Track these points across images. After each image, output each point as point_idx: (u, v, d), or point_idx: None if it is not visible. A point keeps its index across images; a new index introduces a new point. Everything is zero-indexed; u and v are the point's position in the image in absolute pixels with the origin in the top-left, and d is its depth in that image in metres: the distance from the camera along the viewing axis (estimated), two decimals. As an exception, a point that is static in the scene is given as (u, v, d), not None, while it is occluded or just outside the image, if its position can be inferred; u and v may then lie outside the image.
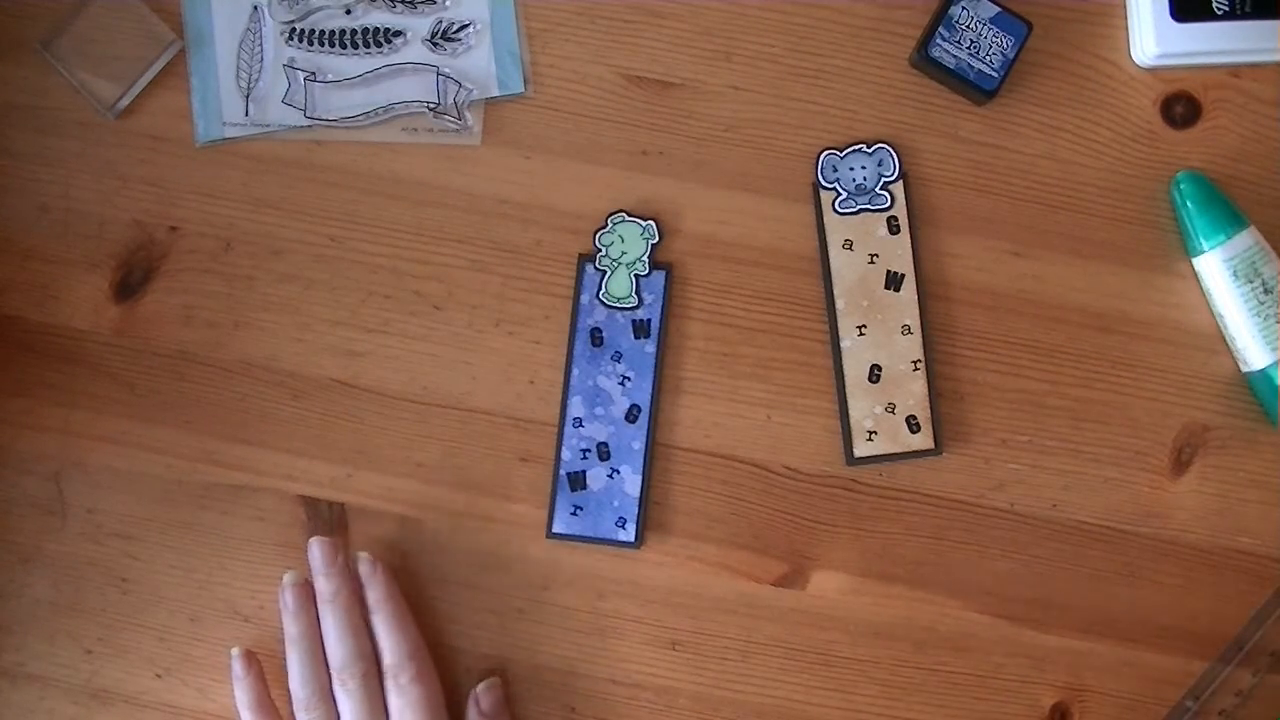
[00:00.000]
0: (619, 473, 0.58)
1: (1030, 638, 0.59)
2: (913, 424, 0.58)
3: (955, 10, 0.57)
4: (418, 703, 0.54)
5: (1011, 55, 0.58)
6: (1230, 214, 0.57)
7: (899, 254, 0.59)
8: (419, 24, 0.59)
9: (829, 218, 0.59)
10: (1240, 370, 0.59)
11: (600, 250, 0.59)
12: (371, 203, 0.59)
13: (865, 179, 0.59)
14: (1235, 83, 0.59)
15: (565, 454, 0.59)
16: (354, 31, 0.59)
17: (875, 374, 0.58)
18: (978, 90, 0.58)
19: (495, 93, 0.59)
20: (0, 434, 0.59)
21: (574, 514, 0.58)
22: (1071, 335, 0.59)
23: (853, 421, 0.58)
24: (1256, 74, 0.59)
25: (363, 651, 0.55)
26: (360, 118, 0.59)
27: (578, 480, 0.59)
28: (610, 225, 0.59)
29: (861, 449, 0.58)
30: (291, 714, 0.55)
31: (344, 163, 0.59)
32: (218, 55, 0.59)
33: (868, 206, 0.59)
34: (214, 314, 0.59)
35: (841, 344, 0.58)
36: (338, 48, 0.59)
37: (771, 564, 0.59)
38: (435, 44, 0.59)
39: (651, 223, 0.59)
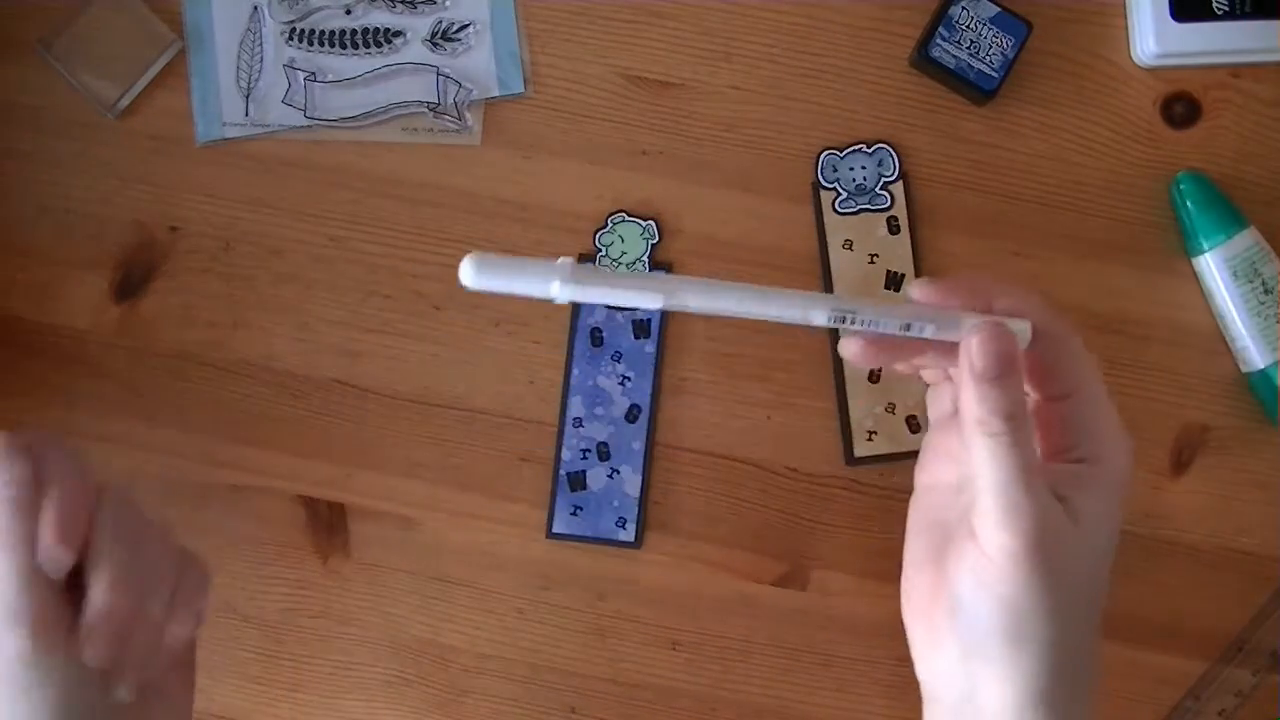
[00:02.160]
0: (619, 473, 0.58)
1: (1030, 638, 0.59)
2: (913, 424, 0.58)
3: (955, 10, 0.57)
4: None
5: (1011, 55, 0.58)
6: (1230, 214, 0.57)
7: (899, 254, 0.59)
8: (419, 24, 0.59)
9: (829, 218, 0.59)
10: (1240, 370, 0.59)
11: (600, 250, 0.59)
12: (371, 203, 0.59)
13: (865, 179, 0.59)
14: (1235, 83, 0.59)
15: (565, 454, 0.59)
16: (354, 31, 0.59)
17: (875, 374, 0.58)
18: (978, 90, 0.58)
19: (495, 93, 0.59)
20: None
21: (574, 514, 0.58)
22: (1071, 335, 0.59)
23: (853, 421, 0.58)
24: (1256, 74, 0.59)
25: None
26: (360, 118, 0.59)
27: (578, 480, 0.59)
28: (610, 225, 0.59)
29: (861, 449, 0.58)
30: None
31: (344, 163, 0.59)
32: (218, 55, 0.59)
33: (868, 206, 0.59)
34: (214, 314, 0.59)
35: (841, 344, 0.58)
36: (338, 48, 0.59)
37: (771, 564, 0.59)
38: (435, 44, 0.59)
39: (651, 223, 0.59)
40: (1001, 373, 0.38)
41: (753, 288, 0.39)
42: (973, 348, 0.38)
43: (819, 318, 0.39)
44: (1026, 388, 0.42)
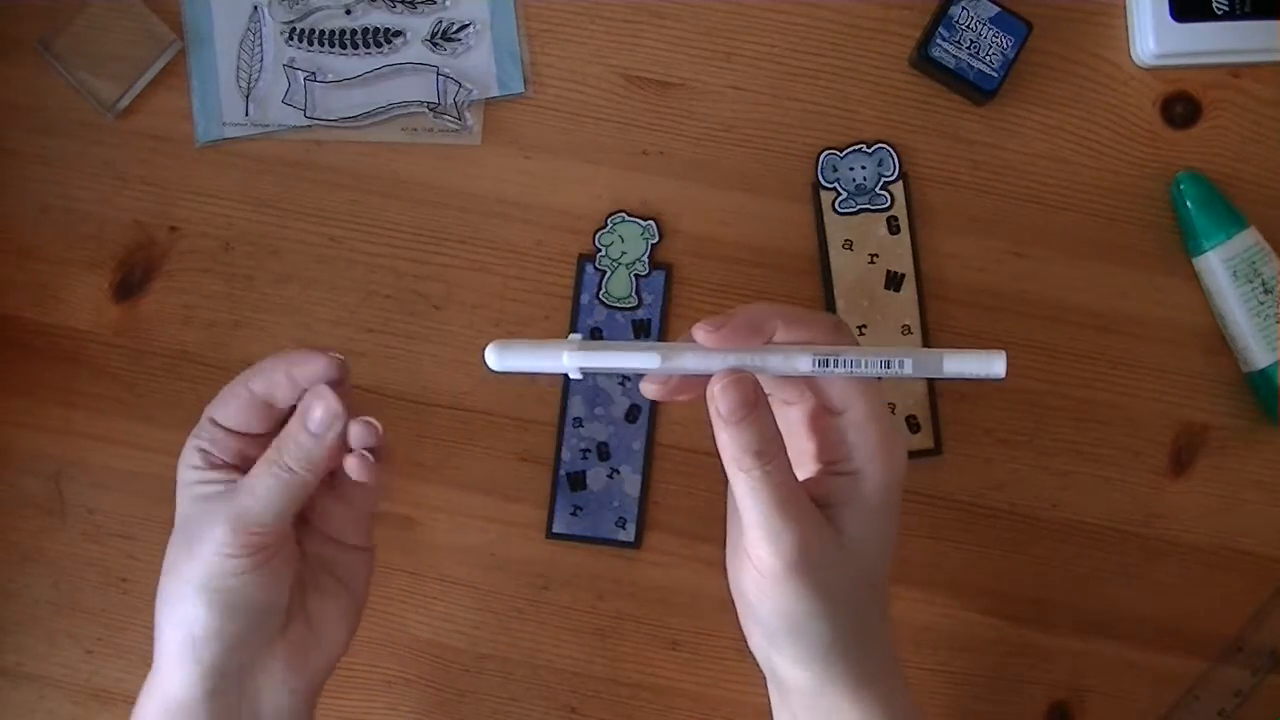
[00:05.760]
0: (619, 473, 0.58)
1: (1030, 638, 0.59)
2: (913, 424, 0.58)
3: (955, 10, 0.57)
4: None
5: (1011, 55, 0.58)
6: (1230, 214, 0.57)
7: (899, 254, 0.59)
8: (419, 24, 0.59)
9: (829, 218, 0.59)
10: (1240, 370, 0.59)
11: (600, 250, 0.59)
12: (371, 203, 0.59)
13: (865, 179, 0.59)
14: (1235, 83, 0.59)
15: (565, 454, 0.59)
16: (354, 31, 0.59)
17: (875, 374, 0.58)
18: (978, 90, 0.58)
19: (495, 93, 0.59)
20: (0, 434, 0.59)
21: (574, 514, 0.58)
22: (1071, 335, 0.59)
23: (853, 421, 0.58)
24: (1256, 74, 0.59)
25: None
26: (360, 118, 0.59)
27: (578, 480, 0.59)
28: (610, 225, 0.59)
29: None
30: None
31: (344, 163, 0.59)
32: (218, 55, 0.59)
33: (868, 206, 0.59)
34: (214, 314, 0.59)
35: (841, 344, 0.58)
36: (338, 48, 0.59)
37: (771, 564, 0.59)
38: (435, 44, 0.59)
39: (651, 223, 0.59)
40: (744, 416, 0.41)
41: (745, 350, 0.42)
42: (715, 395, 0.41)
43: (804, 365, 0.42)
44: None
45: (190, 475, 0.47)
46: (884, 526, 0.44)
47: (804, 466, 0.45)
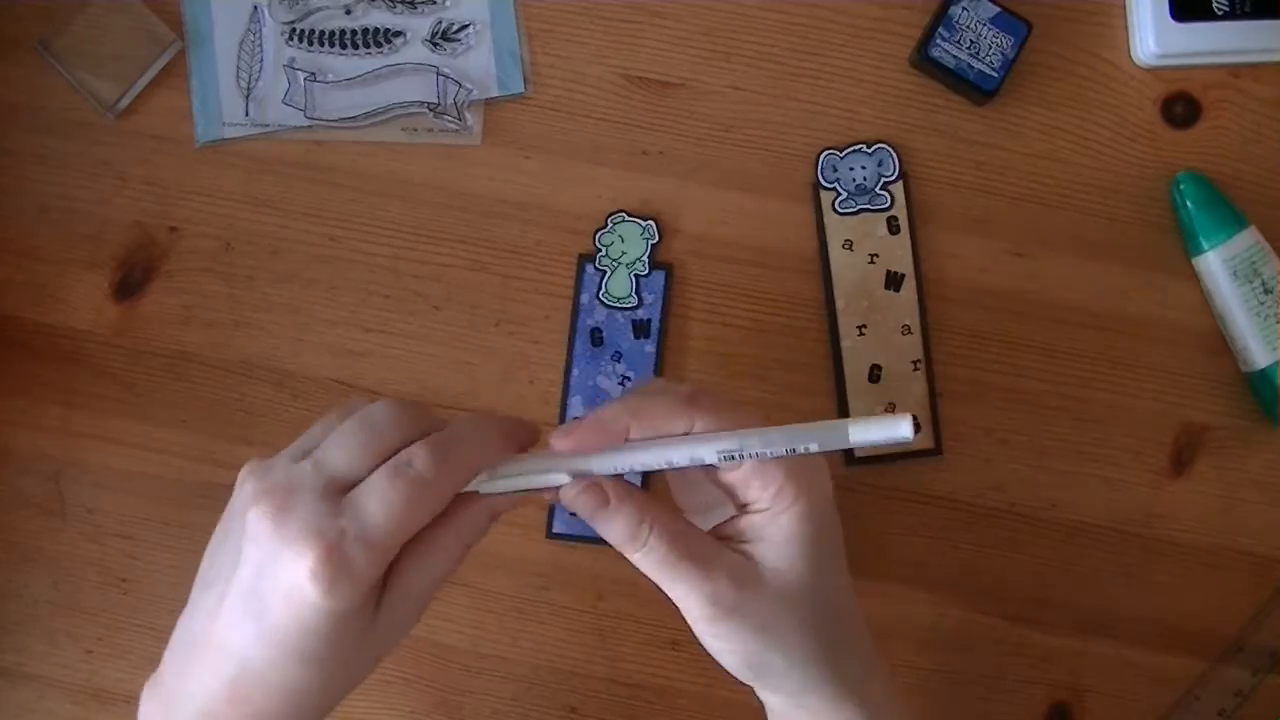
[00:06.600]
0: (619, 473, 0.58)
1: (1030, 638, 0.59)
2: (913, 424, 0.58)
3: (955, 10, 0.57)
4: None
5: (1011, 55, 0.58)
6: (1230, 214, 0.57)
7: (899, 254, 0.59)
8: (419, 24, 0.59)
9: (829, 218, 0.59)
10: (1240, 370, 0.59)
11: (600, 250, 0.59)
12: (371, 203, 0.59)
13: (865, 179, 0.59)
14: (1235, 83, 0.59)
15: (565, 454, 0.59)
16: (354, 32, 0.59)
17: (875, 374, 0.58)
18: (978, 90, 0.58)
19: (495, 93, 0.59)
20: (0, 434, 0.59)
21: (574, 514, 0.58)
22: (1071, 335, 0.59)
23: (853, 421, 0.58)
24: (1256, 74, 0.59)
25: None
26: (360, 118, 0.59)
27: (578, 480, 0.58)
28: (610, 225, 0.59)
29: (861, 449, 0.58)
30: None
31: (344, 163, 0.59)
32: (218, 55, 0.59)
33: (868, 206, 0.59)
34: (214, 314, 0.59)
35: (841, 344, 0.58)
36: (338, 48, 0.59)
37: (771, 564, 0.59)
38: (435, 44, 0.59)
39: (651, 223, 0.59)
40: (601, 515, 0.42)
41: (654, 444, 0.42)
42: (569, 504, 0.43)
43: (710, 458, 0.42)
44: None
45: None
46: (814, 552, 0.43)
47: (726, 505, 0.45)
